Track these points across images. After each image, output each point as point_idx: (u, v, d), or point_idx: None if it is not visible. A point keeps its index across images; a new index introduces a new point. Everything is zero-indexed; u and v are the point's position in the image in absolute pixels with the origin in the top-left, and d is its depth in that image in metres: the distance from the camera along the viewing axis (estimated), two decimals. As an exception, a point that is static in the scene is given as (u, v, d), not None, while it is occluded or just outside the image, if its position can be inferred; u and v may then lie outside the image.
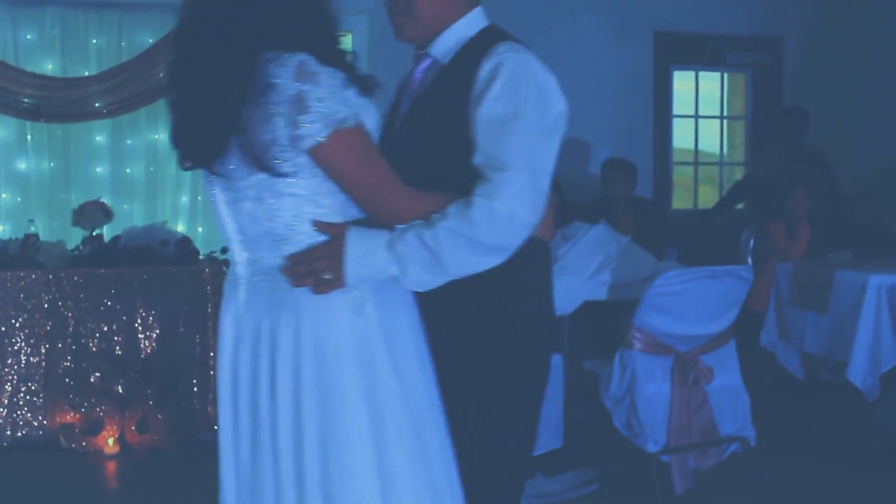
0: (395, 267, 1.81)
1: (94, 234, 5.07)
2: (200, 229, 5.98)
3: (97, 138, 5.91)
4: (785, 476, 4.23)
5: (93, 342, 4.84)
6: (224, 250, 4.08)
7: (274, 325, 1.80)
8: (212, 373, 4.76)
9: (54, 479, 4.39)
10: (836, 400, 4.91)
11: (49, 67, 5.77)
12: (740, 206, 7.06)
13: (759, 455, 4.03)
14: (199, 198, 5.95)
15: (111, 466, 4.57)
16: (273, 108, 1.70)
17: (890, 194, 6.83)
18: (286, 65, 1.70)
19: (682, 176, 7.58)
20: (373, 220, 1.85)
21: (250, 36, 1.74)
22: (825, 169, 6.16)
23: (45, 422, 4.77)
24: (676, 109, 7.29)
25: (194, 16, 1.79)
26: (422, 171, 1.93)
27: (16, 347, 4.76)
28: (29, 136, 5.83)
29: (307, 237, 1.79)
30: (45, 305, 4.77)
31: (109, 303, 4.84)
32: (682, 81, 7.33)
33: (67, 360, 4.80)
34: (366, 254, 1.80)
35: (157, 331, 4.89)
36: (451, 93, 1.99)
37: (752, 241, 5.76)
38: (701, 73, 7.40)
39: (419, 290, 1.89)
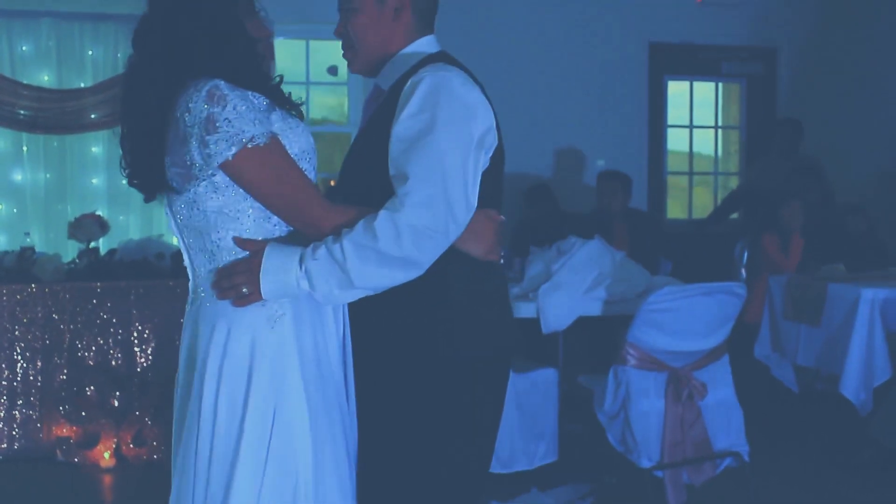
0: (305, 282, 1.85)
1: (90, 246, 5.09)
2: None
3: (93, 149, 5.93)
4: (779, 490, 4.25)
5: (89, 355, 4.84)
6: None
7: (201, 336, 1.89)
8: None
9: (51, 493, 4.39)
10: (830, 412, 4.94)
11: (45, 79, 5.80)
12: (735, 215, 7.09)
13: (753, 469, 4.05)
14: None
15: (107, 479, 4.58)
16: (188, 130, 1.81)
17: (883, 204, 6.86)
18: (200, 90, 1.80)
19: (676, 186, 7.61)
20: (301, 235, 1.91)
21: (175, 66, 1.85)
22: (819, 179, 6.18)
23: (41, 435, 4.78)
24: (671, 119, 7.33)
25: (135, 49, 1.92)
26: (361, 194, 1.98)
27: (12, 361, 4.77)
28: (25, 148, 5.85)
29: (232, 252, 1.88)
30: (41, 319, 4.78)
31: (105, 316, 4.85)
32: (676, 91, 7.36)
33: (63, 374, 4.80)
34: (279, 269, 1.84)
35: (153, 344, 4.89)
36: (383, 118, 2.00)
37: (745, 254, 5.78)
38: (695, 83, 7.43)
39: (334, 304, 1.91)
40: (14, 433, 4.78)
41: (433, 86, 1.94)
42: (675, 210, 7.60)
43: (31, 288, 4.79)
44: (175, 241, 5.79)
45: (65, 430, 4.74)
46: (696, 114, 7.44)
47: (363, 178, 2.03)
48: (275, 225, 1.90)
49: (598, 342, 4.64)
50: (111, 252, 5.14)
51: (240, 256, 1.88)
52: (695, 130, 7.49)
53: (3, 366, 4.75)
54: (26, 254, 4.98)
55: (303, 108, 2.03)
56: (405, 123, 1.93)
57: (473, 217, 1.95)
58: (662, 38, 7.05)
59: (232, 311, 1.87)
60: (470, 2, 6.46)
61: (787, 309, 5.05)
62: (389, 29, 2.10)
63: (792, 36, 7.29)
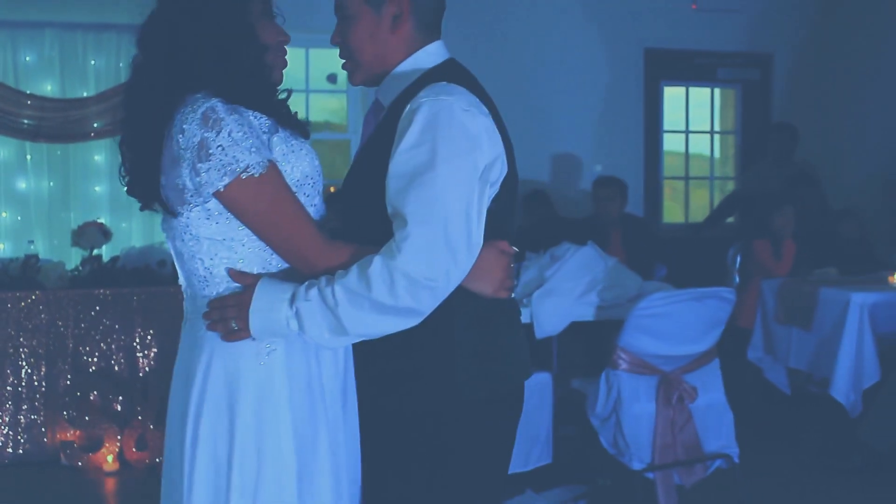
0: (294, 323, 1.74)
1: (92, 254, 5.16)
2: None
3: (96, 158, 5.98)
4: (768, 491, 4.31)
5: (92, 361, 4.92)
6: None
7: (191, 360, 1.80)
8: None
9: (55, 496, 4.47)
10: (822, 414, 5.00)
11: (48, 89, 5.86)
12: (731, 219, 7.15)
13: (744, 471, 4.12)
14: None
15: (110, 483, 4.65)
16: (181, 153, 1.70)
17: (877, 209, 6.91)
18: (196, 110, 1.69)
19: (672, 189, 7.67)
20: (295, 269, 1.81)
21: (176, 73, 1.74)
22: (812, 185, 6.24)
23: (45, 439, 4.86)
24: (667, 125, 7.40)
25: (139, 50, 1.82)
26: (358, 222, 1.88)
27: (17, 367, 4.84)
28: (29, 156, 5.91)
29: (224, 281, 1.78)
30: (45, 325, 4.86)
31: (108, 322, 4.92)
32: (672, 96, 7.43)
33: (67, 379, 4.88)
34: (269, 307, 1.73)
35: (155, 350, 4.97)
36: (381, 143, 1.85)
37: (738, 259, 5.84)
38: (691, 89, 7.50)
39: (328, 348, 1.80)
40: (19, 437, 4.86)
41: (432, 114, 1.77)
42: (672, 214, 7.66)
43: (36, 295, 4.86)
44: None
45: (69, 435, 4.81)
46: (692, 119, 7.51)
47: (362, 202, 1.88)
48: (272, 254, 1.80)
49: (592, 347, 4.71)
50: (114, 259, 5.22)
51: (233, 286, 1.78)
52: (692, 135, 7.55)
53: (9, 371, 4.83)
54: (30, 261, 5.06)
55: (302, 118, 1.91)
56: (402, 157, 1.77)
57: (481, 254, 1.81)
58: (659, 44, 7.12)
59: (221, 342, 1.78)
60: (467, 9, 6.52)
61: (779, 313, 5.11)
62: (388, 40, 1.93)
63: (787, 42, 7.36)
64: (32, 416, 4.86)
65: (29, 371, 4.85)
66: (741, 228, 6.76)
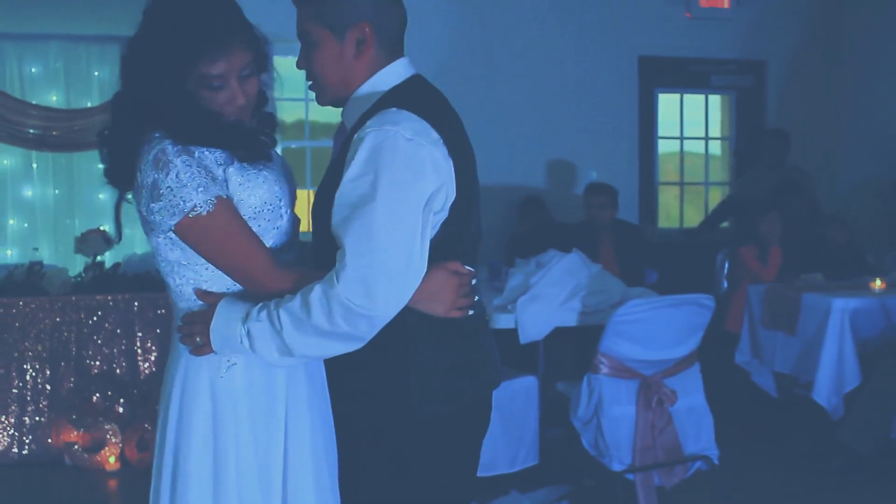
0: (246, 341, 1.82)
1: (95, 260, 5.28)
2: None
3: (99, 166, 6.00)
4: (749, 491, 4.41)
5: (94, 364, 5.04)
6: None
7: (172, 370, 1.94)
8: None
9: (59, 496, 4.58)
10: (806, 416, 5.09)
11: (53, 99, 5.98)
12: (725, 224, 7.23)
13: (725, 472, 4.21)
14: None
15: (113, 483, 4.76)
16: (141, 189, 1.83)
17: (869, 214, 6.98)
18: (149, 153, 1.81)
19: (667, 195, 7.76)
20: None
21: (136, 118, 1.85)
22: (799, 191, 6.30)
23: (49, 440, 4.97)
24: (661, 131, 7.48)
25: (119, 74, 1.92)
26: (322, 243, 1.93)
27: (21, 370, 4.96)
28: (34, 165, 6.05)
29: (192, 299, 1.90)
30: (49, 330, 4.98)
31: (110, 327, 5.04)
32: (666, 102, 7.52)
33: (70, 382, 5.00)
34: (226, 325, 1.82)
35: (156, 353, 5.08)
36: (340, 167, 1.87)
37: (726, 264, 5.92)
38: (685, 96, 7.59)
39: (280, 367, 1.87)
40: (24, 438, 4.97)
41: (376, 144, 1.79)
42: (666, 219, 7.74)
43: (40, 300, 4.99)
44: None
45: (72, 436, 4.91)
46: (686, 125, 7.59)
47: (325, 224, 1.90)
48: None
49: (578, 351, 4.80)
50: (116, 266, 5.34)
51: (199, 303, 1.89)
52: (686, 141, 7.64)
53: (14, 374, 4.95)
54: (35, 268, 5.18)
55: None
56: (345, 188, 1.81)
57: (430, 276, 1.84)
58: (653, 51, 7.19)
59: (188, 354, 1.91)
60: (461, 16, 6.61)
61: (765, 317, 5.19)
62: (352, 65, 1.93)
63: (781, 49, 7.42)
64: (37, 418, 4.98)
65: (33, 374, 4.97)
66: (732, 234, 6.84)
